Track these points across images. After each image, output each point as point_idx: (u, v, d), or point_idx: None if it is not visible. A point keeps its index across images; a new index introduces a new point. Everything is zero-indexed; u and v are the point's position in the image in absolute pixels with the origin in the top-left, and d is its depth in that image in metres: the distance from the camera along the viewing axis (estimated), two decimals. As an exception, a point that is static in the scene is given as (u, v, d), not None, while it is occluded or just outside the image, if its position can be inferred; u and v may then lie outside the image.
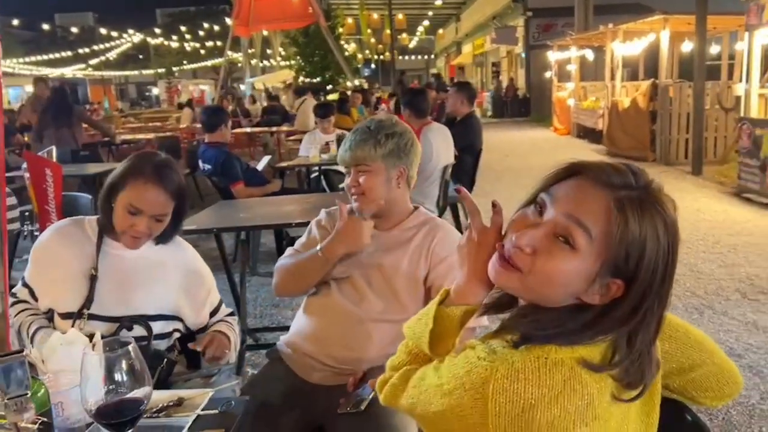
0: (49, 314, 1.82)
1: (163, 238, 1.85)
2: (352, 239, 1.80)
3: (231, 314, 2.06)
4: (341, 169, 2.04)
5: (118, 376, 1.05)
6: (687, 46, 10.44)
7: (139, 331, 1.81)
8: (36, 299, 1.84)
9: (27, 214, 3.67)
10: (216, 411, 1.33)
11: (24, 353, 0.82)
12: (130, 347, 1.06)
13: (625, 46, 10.93)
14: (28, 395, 0.82)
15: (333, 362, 1.81)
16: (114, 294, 1.80)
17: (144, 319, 1.82)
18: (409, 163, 1.86)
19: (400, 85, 16.77)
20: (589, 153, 11.47)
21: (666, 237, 0.88)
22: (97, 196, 1.99)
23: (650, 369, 0.93)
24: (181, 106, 18.74)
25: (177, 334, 1.93)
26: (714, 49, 11.64)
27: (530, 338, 0.89)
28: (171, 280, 1.89)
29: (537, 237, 0.91)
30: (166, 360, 1.80)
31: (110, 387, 1.05)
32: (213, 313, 2.00)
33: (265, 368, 1.99)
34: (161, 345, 1.87)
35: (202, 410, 1.33)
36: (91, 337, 1.32)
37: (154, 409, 1.35)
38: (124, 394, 1.06)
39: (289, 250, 1.97)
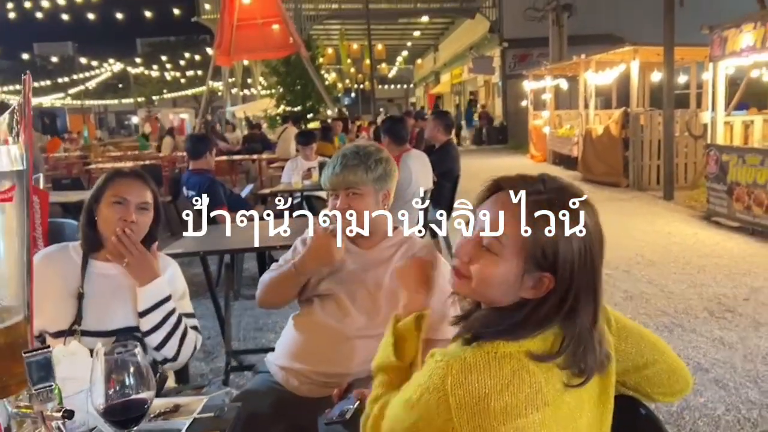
0: (41, 338, 1.89)
1: (145, 243, 1.93)
2: (323, 255, 1.92)
3: (195, 327, 2.08)
4: (322, 194, 2.18)
5: (125, 379, 1.15)
6: (656, 76, 10.81)
7: (127, 358, 1.89)
8: None
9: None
10: (211, 415, 1.42)
11: (49, 349, 0.92)
12: (137, 350, 1.16)
13: (598, 75, 11.29)
14: (53, 387, 0.92)
15: (319, 377, 1.89)
16: (100, 310, 1.88)
17: (133, 331, 1.90)
18: (392, 187, 2.01)
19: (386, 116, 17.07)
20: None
21: (582, 244, 1.03)
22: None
23: (595, 358, 1.05)
24: (161, 137, 18.86)
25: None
26: (683, 79, 12.07)
27: (480, 336, 1.03)
28: None
29: (468, 249, 1.08)
30: (159, 373, 1.90)
31: (117, 389, 1.15)
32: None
33: (253, 382, 2.08)
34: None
35: (198, 414, 1.43)
36: (91, 351, 1.41)
37: (152, 415, 1.44)
38: (130, 395, 1.16)
39: (273, 265, 2.08)
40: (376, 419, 1.17)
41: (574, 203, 1.04)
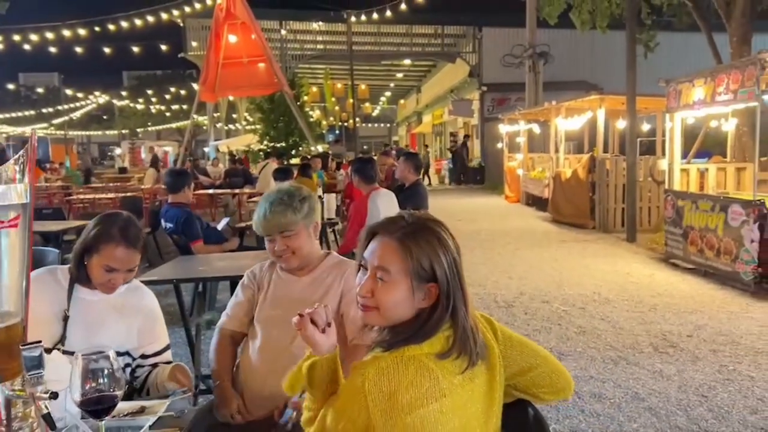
0: None
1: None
2: (221, 404, 2.13)
3: (169, 363, 2.24)
4: None
5: (101, 378, 1.40)
6: (622, 123, 11.31)
7: (102, 364, 2.12)
8: None
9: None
10: (172, 414, 1.66)
11: (40, 342, 1.17)
12: (110, 352, 1.41)
13: (568, 121, 11.78)
14: (42, 373, 1.16)
15: (271, 398, 2.06)
16: (82, 333, 2.07)
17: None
18: (317, 218, 2.28)
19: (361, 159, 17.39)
20: (534, 220, 12.13)
21: (439, 244, 1.33)
22: (61, 250, 2.26)
23: (476, 342, 1.34)
24: (145, 169, 19.10)
25: (128, 369, 2.19)
26: (652, 127, 12.62)
27: (391, 345, 1.31)
28: (130, 322, 2.17)
29: (368, 285, 1.36)
30: (127, 386, 2.12)
31: (94, 386, 1.40)
32: (162, 351, 2.25)
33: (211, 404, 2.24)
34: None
35: (161, 414, 1.67)
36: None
37: (121, 415, 1.68)
38: (104, 391, 1.40)
39: (224, 315, 2.31)
40: None
41: (432, 227, 1.35)
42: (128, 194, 12.12)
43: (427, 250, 1.32)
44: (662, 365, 4.19)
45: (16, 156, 1.22)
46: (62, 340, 2.05)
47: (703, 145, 10.27)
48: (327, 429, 1.30)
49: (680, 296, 5.99)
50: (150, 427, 1.60)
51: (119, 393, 1.43)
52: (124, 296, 2.19)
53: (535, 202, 13.74)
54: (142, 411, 1.70)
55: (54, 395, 1.12)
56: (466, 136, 24.50)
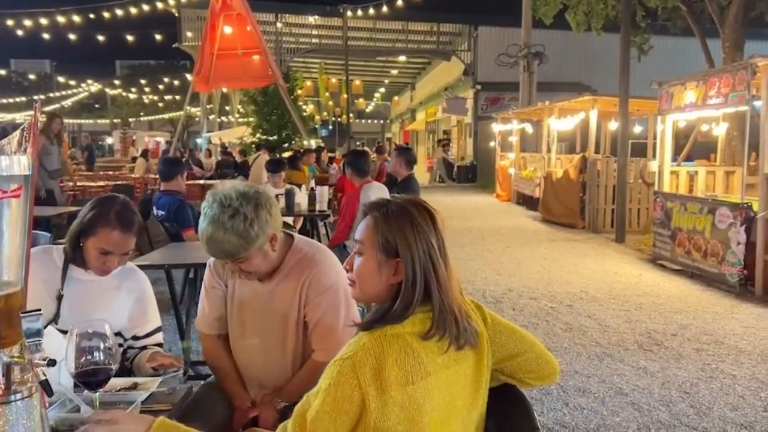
0: None
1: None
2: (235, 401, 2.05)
3: (160, 345, 2.30)
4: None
5: (96, 351, 1.43)
6: (614, 125, 11.39)
7: (98, 338, 2.14)
8: None
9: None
10: (164, 390, 1.69)
11: (40, 310, 1.19)
12: (106, 327, 1.43)
13: (560, 122, 11.86)
14: (40, 341, 1.19)
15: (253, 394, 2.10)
16: (76, 313, 2.08)
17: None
18: (276, 227, 1.90)
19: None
20: (524, 219, 12.20)
21: (411, 225, 1.37)
22: (53, 234, 2.26)
23: (459, 326, 1.37)
24: (134, 159, 19.09)
25: (120, 349, 2.20)
26: (644, 129, 12.72)
27: (372, 325, 1.35)
28: (123, 302, 2.19)
29: (351, 258, 1.45)
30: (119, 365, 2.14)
31: (89, 359, 1.43)
32: (153, 333, 2.28)
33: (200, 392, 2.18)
34: None
35: (154, 389, 1.69)
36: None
37: (115, 390, 1.70)
38: (99, 364, 1.43)
39: (199, 321, 2.20)
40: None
41: (407, 208, 1.40)
42: (120, 183, 12.11)
43: (394, 226, 1.37)
44: (646, 362, 4.25)
45: (21, 127, 1.25)
46: (55, 318, 2.08)
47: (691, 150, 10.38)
48: (313, 420, 1.29)
49: (666, 296, 6.07)
50: (142, 402, 1.63)
51: (114, 366, 1.46)
52: (117, 277, 2.20)
53: (526, 201, 13.82)
54: (134, 387, 1.73)
55: (52, 362, 1.15)
56: (441, 139, 24.81)
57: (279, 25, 24.03)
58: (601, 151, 12.69)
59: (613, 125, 11.37)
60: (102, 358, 1.44)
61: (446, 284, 1.38)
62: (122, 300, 2.20)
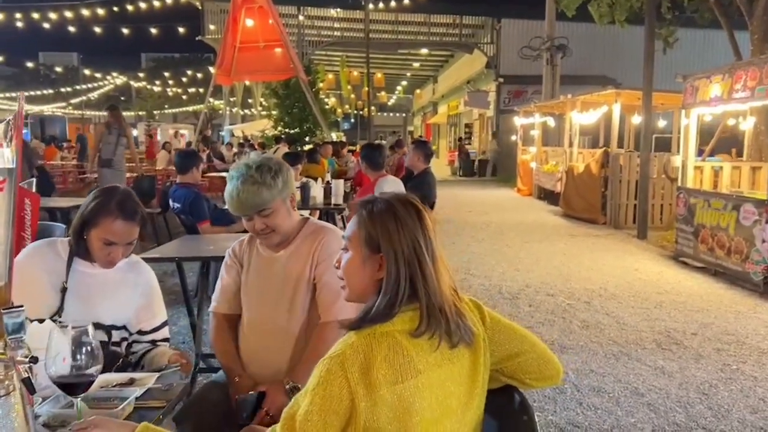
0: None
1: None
2: (232, 387, 2.02)
3: (166, 339, 2.28)
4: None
5: (78, 354, 1.39)
6: (638, 119, 11.19)
7: (99, 336, 2.12)
8: None
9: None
10: (160, 386, 1.67)
11: (22, 307, 1.17)
12: (89, 327, 1.40)
13: (583, 115, 11.66)
14: (24, 338, 1.17)
15: (266, 375, 2.07)
16: (80, 306, 2.07)
17: (104, 328, 2.13)
18: (293, 189, 2.16)
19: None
20: (544, 213, 12.05)
21: (395, 221, 1.34)
22: (68, 225, 2.25)
23: (449, 327, 1.32)
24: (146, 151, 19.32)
25: (125, 343, 2.20)
26: (669, 123, 12.47)
27: (360, 324, 1.31)
28: (129, 296, 2.18)
29: (339, 255, 1.43)
30: (121, 360, 2.13)
31: (72, 359, 1.39)
32: (159, 327, 2.26)
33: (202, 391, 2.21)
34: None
35: (150, 386, 1.67)
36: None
37: (111, 386, 1.69)
38: (82, 367, 1.39)
39: (213, 300, 2.27)
40: None
41: (392, 203, 1.37)
42: (144, 174, 12.19)
43: (377, 221, 1.35)
44: (664, 362, 4.16)
45: (5, 121, 1.23)
46: (59, 311, 2.07)
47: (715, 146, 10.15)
48: (302, 422, 1.25)
49: (687, 294, 5.94)
50: (138, 398, 1.61)
51: (95, 370, 1.41)
52: (123, 271, 2.19)
53: (547, 195, 13.66)
54: (131, 383, 1.71)
55: (34, 360, 1.13)
56: (461, 138, 24.69)
57: (301, 17, 24.02)
58: (624, 146, 12.49)
59: (637, 119, 11.17)
60: (84, 361, 1.40)
61: (433, 281, 1.34)
62: (127, 293, 2.19)
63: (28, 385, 1.12)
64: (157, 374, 1.76)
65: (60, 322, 2.01)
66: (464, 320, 1.37)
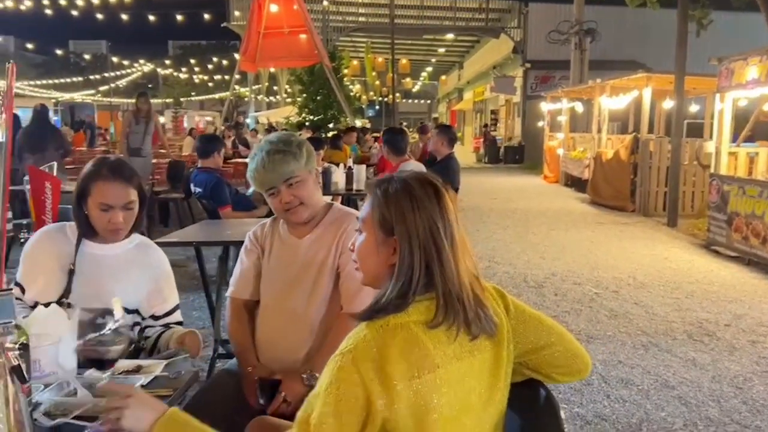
0: (35, 308, 2.08)
1: (134, 228, 2.11)
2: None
3: (180, 323, 2.22)
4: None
5: (104, 330, 1.34)
6: (669, 104, 10.89)
7: (110, 320, 2.08)
8: (24, 294, 2.11)
9: (26, 223, 3.98)
10: (167, 374, 1.61)
11: (11, 290, 1.10)
12: (114, 299, 1.34)
13: (612, 100, 11.39)
14: (13, 323, 1.10)
15: (285, 363, 2.00)
16: (89, 288, 2.02)
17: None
18: (316, 165, 2.12)
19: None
20: (571, 201, 11.83)
21: (410, 201, 1.24)
22: None
23: (467, 317, 1.22)
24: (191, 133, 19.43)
25: (137, 327, 2.14)
26: (701, 108, 12.12)
27: (371, 315, 1.22)
28: (138, 279, 2.12)
29: (353, 239, 1.35)
30: (134, 345, 2.08)
31: (95, 336, 1.34)
32: (172, 312, 2.20)
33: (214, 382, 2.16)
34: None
35: (157, 374, 1.61)
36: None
37: (117, 373, 1.63)
38: (106, 344, 1.34)
39: (231, 284, 2.20)
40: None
41: (409, 183, 1.27)
42: (173, 159, 12.21)
43: (391, 202, 1.26)
44: (696, 354, 4.01)
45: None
46: (67, 293, 2.03)
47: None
48: (317, 425, 1.15)
49: (720, 284, 5.75)
50: (145, 386, 1.55)
51: (121, 347, 1.37)
52: (133, 252, 2.15)
53: (574, 182, 13.41)
54: (138, 370, 1.65)
55: (24, 347, 1.06)
56: (486, 125, 24.44)
57: (325, 3, 23.85)
58: (655, 132, 12.17)
59: (668, 104, 10.87)
60: (110, 336, 1.35)
61: (451, 268, 1.24)
62: (137, 275, 2.14)
63: (19, 373, 1.05)
64: (164, 362, 1.69)
65: (67, 303, 1.98)
66: (485, 310, 1.26)
